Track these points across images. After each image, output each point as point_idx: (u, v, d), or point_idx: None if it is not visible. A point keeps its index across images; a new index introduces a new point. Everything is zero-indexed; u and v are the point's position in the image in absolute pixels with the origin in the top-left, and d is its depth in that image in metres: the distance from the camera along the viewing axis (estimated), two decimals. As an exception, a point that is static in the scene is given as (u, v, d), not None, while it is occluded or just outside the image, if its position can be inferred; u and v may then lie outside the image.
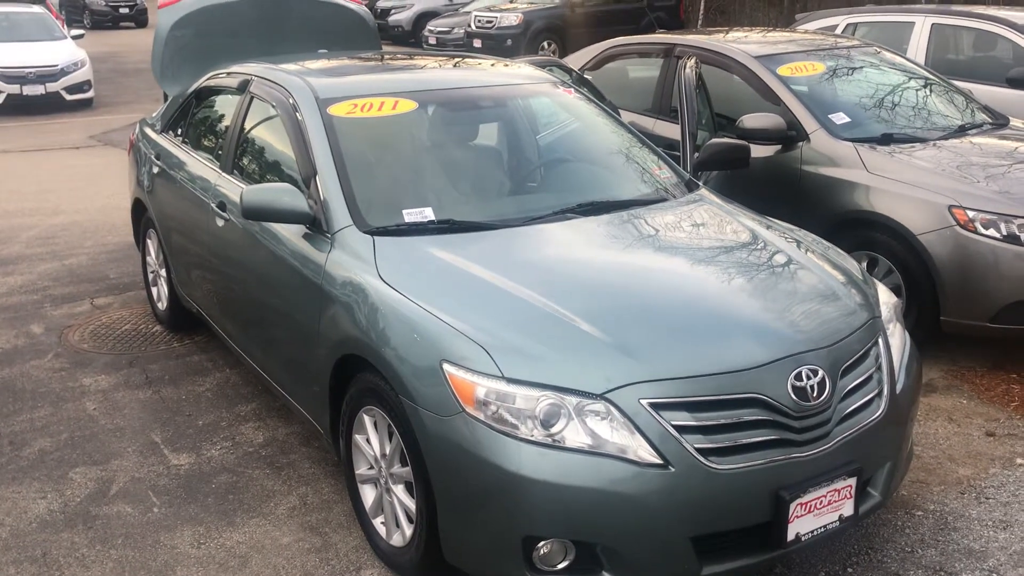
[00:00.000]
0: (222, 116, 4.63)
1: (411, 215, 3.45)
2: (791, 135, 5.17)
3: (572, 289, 3.03)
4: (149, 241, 5.48)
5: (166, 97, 5.73)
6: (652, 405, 2.63)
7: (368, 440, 3.22)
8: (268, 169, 4.13)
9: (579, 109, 4.34)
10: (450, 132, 4.11)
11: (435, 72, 4.46)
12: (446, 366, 2.76)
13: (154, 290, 5.52)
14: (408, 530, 3.06)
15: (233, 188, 4.14)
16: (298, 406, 3.75)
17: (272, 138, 4.13)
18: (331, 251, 3.38)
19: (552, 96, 4.33)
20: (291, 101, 3.90)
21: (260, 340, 4.04)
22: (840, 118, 5.23)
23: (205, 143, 4.75)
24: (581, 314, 2.85)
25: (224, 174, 4.30)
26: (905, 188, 4.69)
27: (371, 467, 3.25)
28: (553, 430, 2.63)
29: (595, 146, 4.19)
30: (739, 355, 2.77)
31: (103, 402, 4.50)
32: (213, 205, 4.24)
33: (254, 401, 4.48)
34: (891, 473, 3.05)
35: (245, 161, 4.27)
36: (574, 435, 2.63)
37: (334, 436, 3.44)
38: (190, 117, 5.01)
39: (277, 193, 3.51)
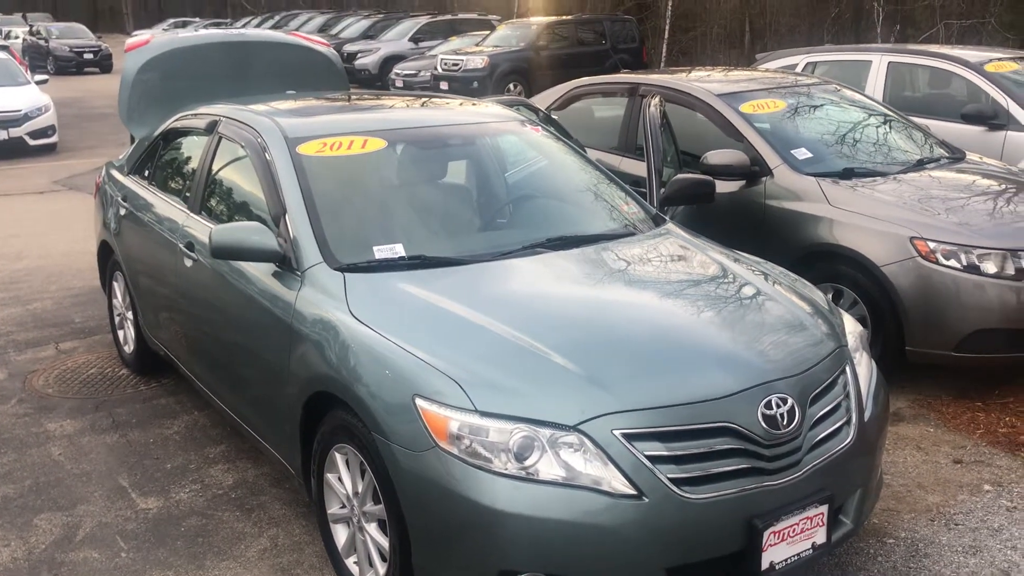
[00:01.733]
0: (190, 157, 4.63)
1: (381, 251, 3.46)
2: (755, 171, 5.26)
3: (543, 322, 3.04)
4: (115, 284, 5.43)
5: (132, 140, 5.71)
6: (625, 436, 2.64)
7: (340, 478, 3.20)
8: (237, 209, 4.13)
9: (546, 147, 4.39)
10: (419, 170, 4.15)
11: (403, 111, 4.50)
12: (419, 401, 2.76)
13: (120, 333, 5.46)
14: (382, 568, 3.03)
15: (202, 228, 4.13)
16: (268, 447, 3.72)
17: (241, 178, 4.13)
18: (301, 288, 3.38)
19: (520, 134, 4.38)
20: (260, 141, 3.92)
21: (229, 381, 4.01)
22: (802, 153, 5.33)
23: (173, 184, 4.74)
24: (553, 347, 2.87)
25: (192, 215, 4.29)
26: (867, 221, 4.78)
27: (343, 506, 3.22)
28: (527, 463, 2.63)
29: (563, 183, 4.24)
30: (709, 384, 2.79)
31: (69, 447, 4.43)
32: (181, 246, 4.23)
33: (223, 443, 4.43)
34: (862, 500, 3.08)
35: (214, 201, 4.26)
36: (548, 467, 2.63)
37: (305, 475, 3.41)
38: (157, 159, 5.00)
39: (246, 232, 3.51)
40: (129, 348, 5.32)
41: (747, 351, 2.96)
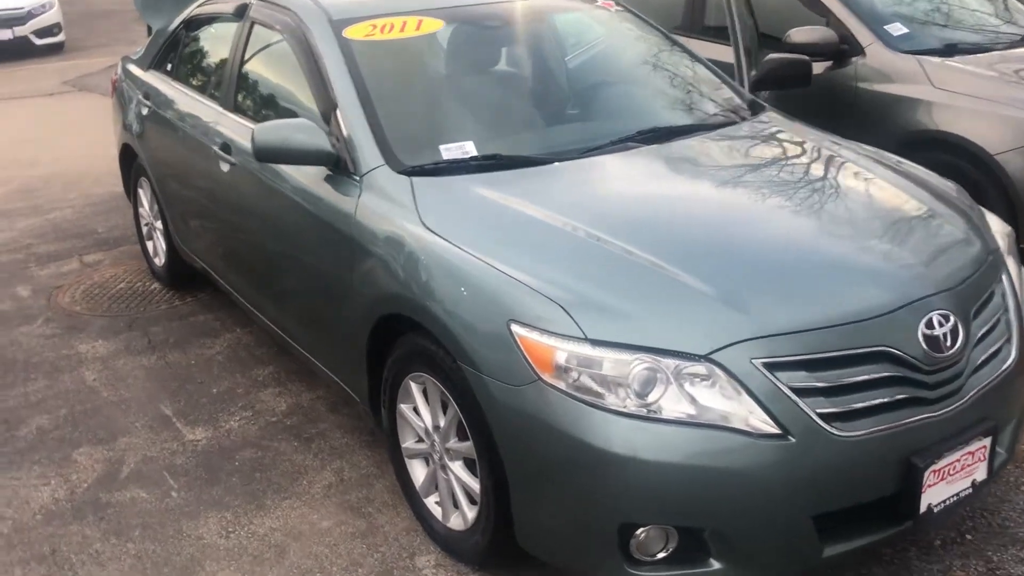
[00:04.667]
0: (218, 48, 4.12)
1: (450, 151, 3.00)
2: (844, 49, 4.70)
3: (656, 232, 2.60)
4: (141, 191, 5.00)
5: (150, 31, 5.20)
6: (766, 365, 2.22)
7: (416, 410, 2.82)
8: (277, 105, 3.65)
9: (622, 25, 3.85)
10: (483, 54, 3.62)
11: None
12: (515, 327, 2.34)
13: (149, 244, 5.06)
14: (470, 512, 2.67)
15: (238, 128, 3.67)
16: (325, 370, 3.34)
17: (279, 69, 3.65)
18: (361, 196, 2.93)
19: (590, 11, 3.85)
20: (300, 25, 3.41)
21: (278, 297, 3.61)
22: (897, 29, 4.74)
23: (200, 79, 4.26)
24: (673, 261, 2.43)
25: (226, 112, 3.82)
26: (978, 103, 4.25)
27: (420, 440, 2.86)
28: (649, 399, 2.23)
29: (645, 66, 3.71)
30: (861, 302, 2.36)
31: (103, 371, 4.08)
32: (215, 148, 3.77)
33: (271, 364, 4.06)
34: (1017, 426, 2.68)
35: (249, 97, 3.78)
36: (673, 404, 2.22)
37: (373, 405, 3.04)
38: (181, 51, 4.50)
39: (292, 130, 3.05)
40: (160, 260, 4.93)
41: (898, 261, 2.51)
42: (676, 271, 2.39)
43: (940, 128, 4.35)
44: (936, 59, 4.53)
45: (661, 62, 3.68)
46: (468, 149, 3.01)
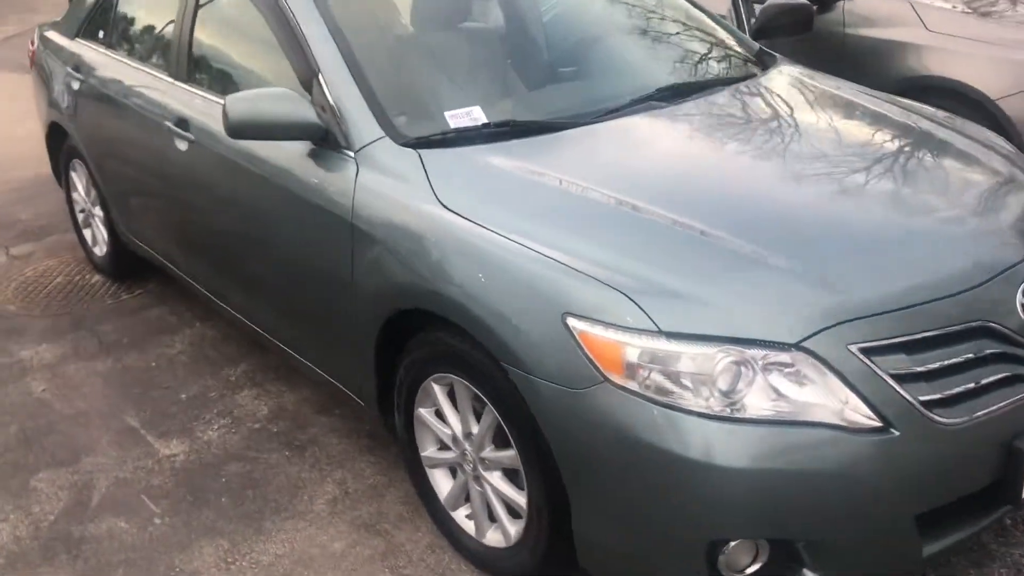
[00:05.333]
0: (163, 10, 3.64)
1: (457, 118, 2.65)
2: (828, -7, 4.46)
3: (714, 202, 2.30)
4: (74, 174, 4.50)
5: (70, -4, 4.67)
6: (863, 351, 1.97)
7: (440, 414, 2.50)
8: (240, 73, 3.24)
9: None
10: (475, 6, 3.26)
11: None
12: (573, 322, 2.03)
13: (87, 232, 4.57)
14: (513, 527, 2.38)
15: (194, 101, 3.25)
16: (316, 368, 2.98)
17: (240, 32, 3.23)
18: (360, 174, 2.57)
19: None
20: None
21: (249, 288, 3.23)
22: (881, -32, 4.52)
23: (143, 47, 3.79)
24: (743, 236, 2.14)
25: (179, 84, 3.38)
26: (976, 46, 4.05)
27: (445, 448, 2.54)
28: (734, 396, 1.95)
29: (651, 17, 3.39)
30: (951, 274, 2.11)
31: (53, 380, 3.64)
32: (169, 125, 3.34)
33: (243, 361, 3.67)
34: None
35: (205, 65, 3.35)
36: (761, 401, 1.95)
37: (382, 408, 2.71)
38: (114, 16, 4.01)
39: (271, 101, 2.66)
40: (101, 250, 4.46)
41: (981, 225, 2.27)
42: (746, 245, 2.11)
43: (935, 73, 4.14)
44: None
45: (664, 12, 3.37)
46: (476, 115, 2.66)
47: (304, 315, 2.93)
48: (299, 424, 3.25)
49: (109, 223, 4.23)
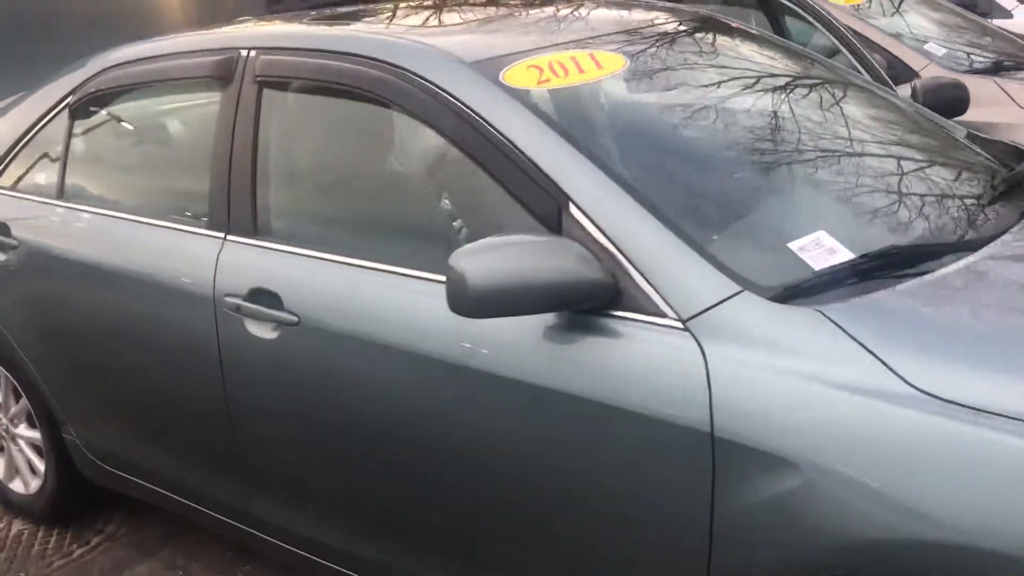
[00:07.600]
0: (175, 141, 2.51)
1: (811, 254, 1.75)
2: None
3: None
4: (-20, 381, 3.11)
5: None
6: None
7: None
8: (374, 215, 2.16)
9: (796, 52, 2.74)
10: (685, 94, 2.34)
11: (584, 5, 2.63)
12: None
13: (-1, 462, 3.16)
14: None
15: (288, 265, 2.13)
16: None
17: (357, 153, 2.18)
18: (708, 355, 1.59)
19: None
20: (403, 78, 1.99)
21: (423, 537, 2.08)
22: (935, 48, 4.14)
23: (145, 192, 2.59)
24: None
25: (238, 238, 2.24)
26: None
27: None
28: None
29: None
30: None
31: None
32: (235, 302, 2.17)
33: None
34: None
35: (294, 208, 2.24)
36: None
37: None
38: (68, 152, 2.75)
39: (538, 254, 1.66)
40: (29, 488, 3.06)
41: None
42: None
43: None
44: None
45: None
46: (833, 246, 1.77)
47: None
48: None
49: (57, 446, 2.88)
